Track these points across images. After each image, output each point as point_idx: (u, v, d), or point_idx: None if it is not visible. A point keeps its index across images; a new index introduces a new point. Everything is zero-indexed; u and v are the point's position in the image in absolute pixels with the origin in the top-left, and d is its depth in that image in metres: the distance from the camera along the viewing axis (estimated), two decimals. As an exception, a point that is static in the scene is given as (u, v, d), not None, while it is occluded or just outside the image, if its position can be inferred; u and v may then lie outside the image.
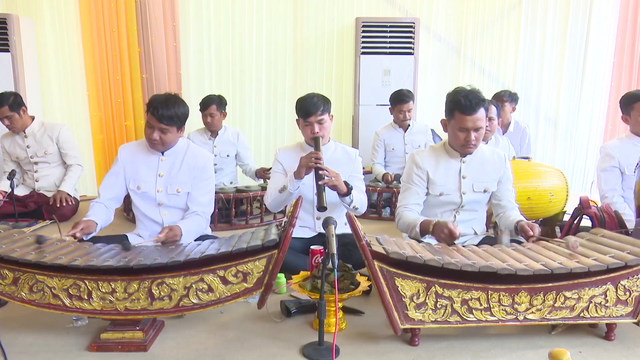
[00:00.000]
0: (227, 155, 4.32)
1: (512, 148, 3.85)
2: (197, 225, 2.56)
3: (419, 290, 1.92)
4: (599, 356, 1.93)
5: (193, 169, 2.62)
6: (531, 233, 2.31)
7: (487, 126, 3.34)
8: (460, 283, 1.92)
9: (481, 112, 2.42)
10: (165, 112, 2.44)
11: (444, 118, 2.56)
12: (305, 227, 2.87)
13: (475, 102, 2.40)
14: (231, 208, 3.79)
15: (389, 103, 4.46)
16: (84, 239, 2.35)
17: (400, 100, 4.28)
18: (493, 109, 3.41)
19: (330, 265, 1.84)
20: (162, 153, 2.62)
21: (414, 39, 4.95)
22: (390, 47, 4.97)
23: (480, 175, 2.58)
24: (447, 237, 2.28)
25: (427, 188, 2.59)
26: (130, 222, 3.84)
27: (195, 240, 2.49)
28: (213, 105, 4.21)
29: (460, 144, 2.50)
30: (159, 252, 2.07)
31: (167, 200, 2.62)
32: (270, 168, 4.01)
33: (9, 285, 1.96)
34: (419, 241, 2.37)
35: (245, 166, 4.42)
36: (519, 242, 2.35)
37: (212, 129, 4.31)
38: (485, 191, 2.59)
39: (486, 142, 3.39)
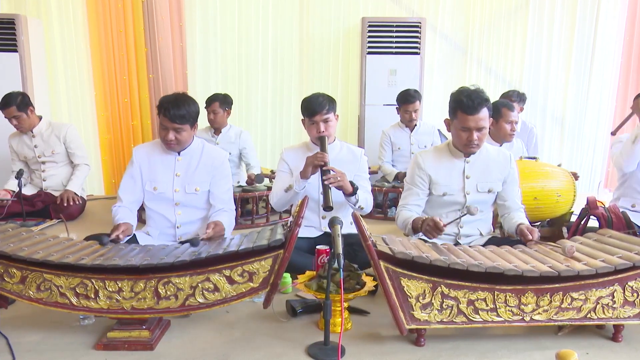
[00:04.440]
0: (230, 153, 4.32)
1: (525, 150, 3.84)
2: (230, 221, 2.61)
3: (424, 290, 1.91)
4: (606, 358, 1.92)
5: (210, 168, 2.65)
6: (530, 237, 2.32)
7: (511, 129, 3.36)
8: (467, 283, 1.91)
9: (484, 112, 2.42)
10: (176, 111, 2.46)
11: (447, 118, 2.56)
12: (311, 226, 2.87)
13: (478, 102, 2.39)
14: (237, 208, 3.79)
15: (395, 103, 4.45)
16: (123, 241, 2.37)
17: (406, 100, 4.27)
18: (516, 113, 3.40)
19: (336, 265, 1.84)
20: (179, 153, 2.63)
21: (420, 38, 4.93)
22: (396, 47, 4.95)
23: (485, 176, 2.57)
24: (432, 229, 2.29)
25: (430, 189, 2.60)
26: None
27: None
28: (216, 102, 4.23)
29: (462, 143, 2.50)
30: (165, 251, 2.08)
31: (184, 200, 2.63)
32: (257, 175, 4.05)
33: (17, 283, 1.97)
34: (425, 241, 2.37)
35: (247, 166, 4.42)
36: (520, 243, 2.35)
37: (215, 126, 4.33)
38: (489, 191, 2.59)
39: (500, 144, 3.37)
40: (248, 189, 3.91)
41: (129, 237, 2.46)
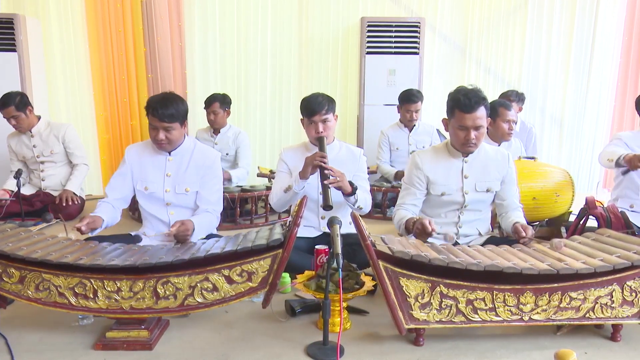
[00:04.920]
0: (227, 154, 4.31)
1: (523, 149, 3.84)
2: (208, 222, 2.59)
3: (423, 290, 1.91)
4: (604, 357, 1.92)
5: (201, 167, 2.64)
6: (523, 234, 2.33)
7: (509, 128, 3.36)
8: (465, 283, 1.91)
9: (481, 111, 2.43)
10: (165, 110, 2.46)
11: (445, 117, 2.57)
12: (310, 226, 2.88)
13: (475, 101, 2.40)
14: (236, 207, 3.79)
15: (394, 103, 4.46)
16: (90, 234, 2.37)
17: (408, 99, 4.27)
18: (513, 112, 3.40)
19: (335, 264, 1.84)
20: (169, 153, 2.63)
21: (419, 38, 4.94)
22: (395, 47, 4.96)
23: (483, 175, 2.58)
24: (421, 232, 2.29)
25: (428, 189, 2.60)
26: (135, 221, 3.85)
27: (201, 238, 2.50)
28: (216, 102, 4.23)
29: (460, 142, 2.51)
30: (164, 251, 2.07)
31: (175, 200, 2.63)
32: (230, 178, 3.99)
33: (16, 283, 1.97)
34: (424, 241, 2.37)
35: (235, 165, 4.33)
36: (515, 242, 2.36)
37: (214, 127, 4.33)
38: (488, 191, 2.59)
39: (498, 144, 3.37)
40: (247, 188, 3.91)
41: (97, 231, 2.43)
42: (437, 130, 4.48)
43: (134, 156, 2.65)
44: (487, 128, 3.26)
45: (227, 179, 4.05)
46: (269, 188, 3.87)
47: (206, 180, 2.64)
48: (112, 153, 5.41)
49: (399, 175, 4.22)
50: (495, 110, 3.33)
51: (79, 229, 2.30)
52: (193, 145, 2.68)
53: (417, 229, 2.31)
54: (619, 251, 2.00)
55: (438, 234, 2.43)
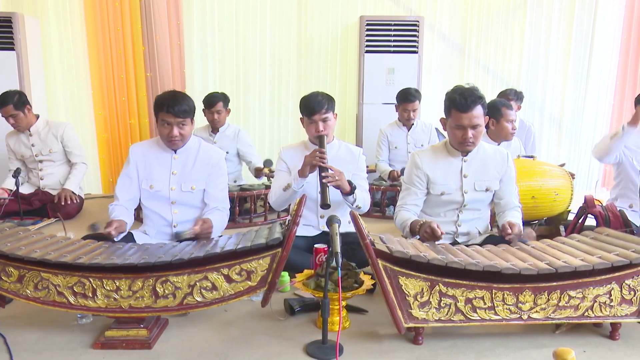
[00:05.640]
0: (227, 152, 4.30)
1: (523, 148, 3.84)
2: (222, 220, 2.62)
3: (422, 289, 1.92)
4: (603, 355, 1.93)
5: (207, 166, 2.65)
6: (509, 231, 2.34)
7: (512, 127, 3.35)
8: (464, 282, 1.92)
9: (477, 110, 2.42)
10: (180, 107, 2.49)
11: (443, 117, 2.57)
12: (309, 225, 2.88)
13: (471, 100, 2.40)
14: (235, 206, 3.79)
15: (393, 101, 4.45)
16: (115, 239, 2.37)
17: (406, 99, 4.27)
18: (513, 111, 3.40)
19: (334, 263, 1.84)
20: (175, 151, 2.64)
21: (418, 37, 4.93)
22: (394, 46, 4.95)
23: (482, 174, 2.58)
24: (430, 236, 2.30)
25: (428, 188, 2.60)
26: (135, 219, 3.84)
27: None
28: (220, 102, 4.21)
29: (458, 141, 2.51)
30: (163, 250, 2.07)
31: (180, 198, 2.64)
32: (264, 167, 4.03)
33: (14, 282, 1.97)
34: (422, 240, 2.37)
35: (249, 164, 4.38)
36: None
37: (216, 126, 4.31)
38: (487, 190, 2.59)
39: (498, 143, 3.37)
40: (246, 187, 3.91)
41: (123, 235, 2.46)
42: (436, 129, 4.48)
43: (138, 155, 2.65)
44: (489, 128, 3.27)
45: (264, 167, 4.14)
46: (268, 187, 3.87)
47: (212, 178, 2.66)
48: (110, 152, 5.40)
49: (392, 176, 4.21)
50: (499, 110, 3.32)
51: (109, 234, 2.32)
52: (198, 144, 2.70)
53: (426, 233, 2.32)
54: (618, 250, 2.00)
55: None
